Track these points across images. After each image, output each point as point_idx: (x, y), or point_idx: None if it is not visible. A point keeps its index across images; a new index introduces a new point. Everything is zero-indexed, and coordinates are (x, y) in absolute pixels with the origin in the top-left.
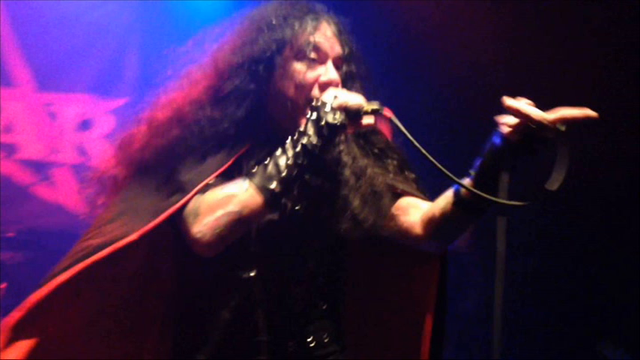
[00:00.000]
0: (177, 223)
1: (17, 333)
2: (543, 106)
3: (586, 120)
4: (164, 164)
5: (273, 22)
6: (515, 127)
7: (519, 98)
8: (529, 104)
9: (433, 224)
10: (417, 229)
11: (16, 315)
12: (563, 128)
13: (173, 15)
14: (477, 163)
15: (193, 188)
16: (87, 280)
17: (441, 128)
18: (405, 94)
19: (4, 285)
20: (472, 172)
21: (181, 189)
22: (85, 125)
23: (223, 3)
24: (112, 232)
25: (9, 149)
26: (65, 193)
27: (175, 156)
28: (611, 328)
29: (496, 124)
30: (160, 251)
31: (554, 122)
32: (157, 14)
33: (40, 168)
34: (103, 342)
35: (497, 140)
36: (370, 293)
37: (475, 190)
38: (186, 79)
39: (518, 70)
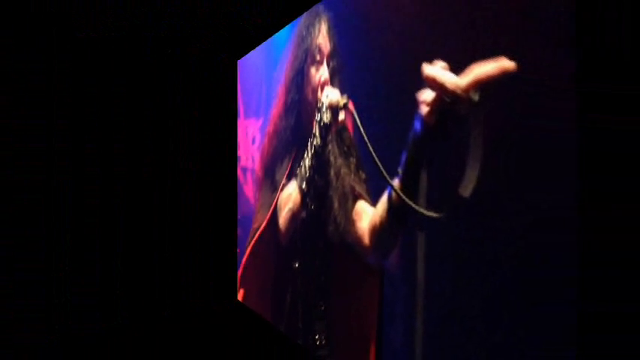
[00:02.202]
0: (277, 215)
1: (240, 283)
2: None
3: (503, 77)
4: (272, 168)
5: (303, 34)
6: (432, 105)
7: (436, 61)
8: (444, 68)
9: (374, 233)
10: (365, 238)
11: (239, 271)
12: (476, 98)
13: (274, 47)
14: (403, 157)
15: (279, 187)
16: (254, 255)
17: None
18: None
19: (239, 250)
20: (399, 169)
21: (275, 188)
22: (253, 140)
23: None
24: (258, 220)
25: (238, 160)
26: (250, 190)
27: (275, 161)
28: None
29: (416, 105)
30: (271, 240)
31: (468, 89)
32: (269, 50)
33: (244, 172)
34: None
35: (417, 125)
36: (347, 299)
37: (401, 194)
38: (277, 98)
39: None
